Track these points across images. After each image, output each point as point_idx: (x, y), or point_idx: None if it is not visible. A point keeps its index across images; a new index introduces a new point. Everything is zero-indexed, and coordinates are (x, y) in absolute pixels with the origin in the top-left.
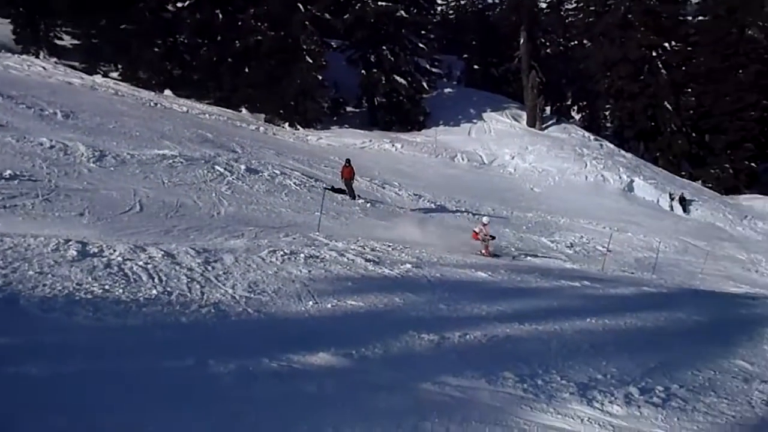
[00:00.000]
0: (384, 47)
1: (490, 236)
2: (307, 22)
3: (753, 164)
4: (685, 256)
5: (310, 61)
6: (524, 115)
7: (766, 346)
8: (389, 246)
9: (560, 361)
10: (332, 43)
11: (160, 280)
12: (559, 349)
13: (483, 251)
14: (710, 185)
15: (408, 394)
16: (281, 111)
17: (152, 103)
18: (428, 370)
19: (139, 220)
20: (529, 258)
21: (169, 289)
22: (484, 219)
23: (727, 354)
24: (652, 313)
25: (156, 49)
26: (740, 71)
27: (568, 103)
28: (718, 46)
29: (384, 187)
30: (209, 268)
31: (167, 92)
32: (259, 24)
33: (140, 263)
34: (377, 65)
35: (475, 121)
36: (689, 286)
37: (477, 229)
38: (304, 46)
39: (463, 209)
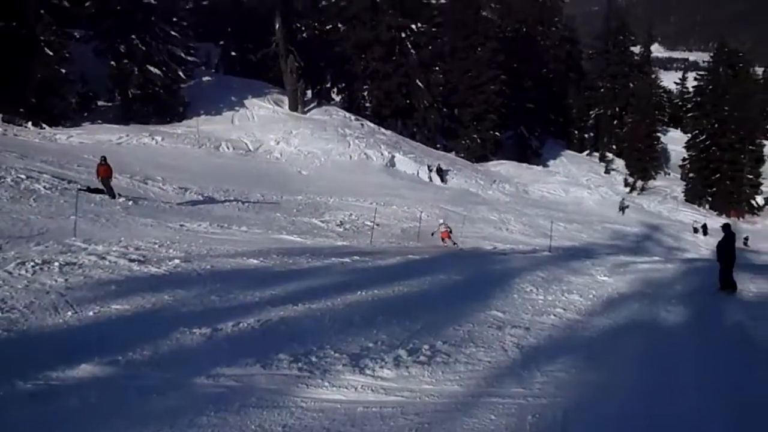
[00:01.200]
0: (134, 37)
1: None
2: (42, 11)
3: (497, 133)
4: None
5: (51, 53)
6: (286, 99)
7: (515, 295)
8: (155, 243)
9: (333, 335)
10: (75, 34)
11: None
12: (331, 325)
13: (453, 243)
14: (462, 155)
15: (181, 392)
16: (21, 109)
17: None
18: (201, 364)
19: None
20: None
21: None
22: (440, 220)
23: (484, 307)
24: (418, 279)
25: None
26: (479, 49)
27: (328, 85)
28: (458, 26)
29: (146, 183)
30: None
31: None
32: None
33: None
34: (128, 56)
35: (237, 108)
36: (450, 250)
37: (444, 229)
38: (42, 37)
39: (232, 198)
